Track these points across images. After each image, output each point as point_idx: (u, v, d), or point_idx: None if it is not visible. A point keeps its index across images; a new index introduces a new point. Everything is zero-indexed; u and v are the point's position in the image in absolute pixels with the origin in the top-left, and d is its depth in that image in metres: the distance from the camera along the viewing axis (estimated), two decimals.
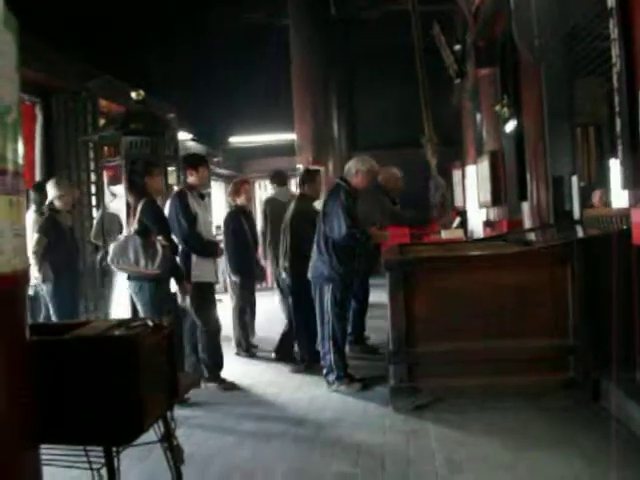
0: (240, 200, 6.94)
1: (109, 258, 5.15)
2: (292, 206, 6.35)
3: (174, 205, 5.51)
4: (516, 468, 3.55)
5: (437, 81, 13.21)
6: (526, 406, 4.44)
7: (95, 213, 7.60)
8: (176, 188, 5.97)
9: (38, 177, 7.55)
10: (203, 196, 5.82)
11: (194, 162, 5.72)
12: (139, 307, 5.14)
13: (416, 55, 9.93)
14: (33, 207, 6.36)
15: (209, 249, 5.65)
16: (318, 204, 6.33)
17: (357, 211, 5.43)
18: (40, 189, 6.54)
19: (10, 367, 2.00)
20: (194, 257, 5.49)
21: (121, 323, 2.58)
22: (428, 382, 4.70)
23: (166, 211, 5.50)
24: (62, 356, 2.33)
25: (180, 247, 5.43)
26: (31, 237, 6.05)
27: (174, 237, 5.39)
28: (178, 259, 5.40)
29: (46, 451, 2.29)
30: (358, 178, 5.43)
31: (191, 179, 5.63)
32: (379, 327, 6.58)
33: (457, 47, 11.43)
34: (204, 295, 5.55)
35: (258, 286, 7.77)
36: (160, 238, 5.05)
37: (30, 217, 6.21)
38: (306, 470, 3.74)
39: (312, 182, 6.47)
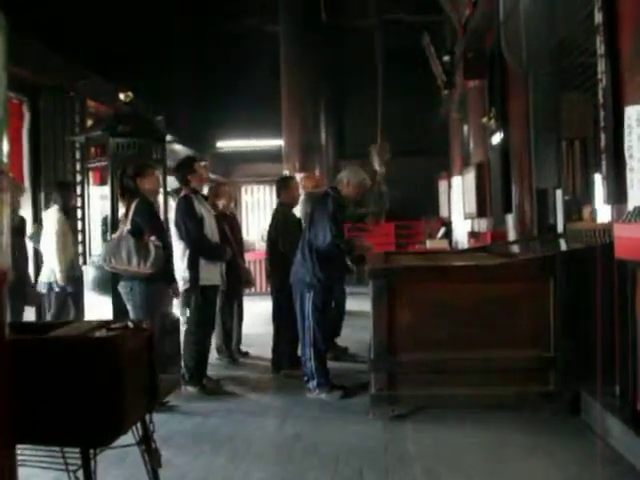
0: (222, 203, 6.91)
1: (101, 257, 5.13)
2: (272, 213, 6.55)
3: (180, 210, 5.54)
4: (494, 479, 3.56)
5: (425, 91, 13.32)
6: (506, 417, 4.46)
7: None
8: (182, 192, 5.89)
9: (26, 175, 7.54)
10: (207, 198, 5.83)
11: (188, 165, 5.70)
12: (129, 307, 5.12)
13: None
14: (56, 206, 6.38)
15: (217, 252, 5.68)
16: (297, 210, 6.60)
17: (344, 221, 5.54)
18: (64, 188, 6.57)
19: None
20: (202, 261, 5.50)
21: (102, 324, 2.57)
22: (409, 391, 4.70)
23: (172, 216, 5.52)
24: (41, 355, 2.31)
25: (187, 252, 5.46)
26: (52, 236, 6.19)
27: (180, 241, 5.47)
28: (185, 263, 5.44)
29: (22, 451, 2.27)
30: (349, 189, 5.52)
31: (193, 182, 5.61)
32: (362, 334, 6.58)
33: (446, 58, 11.49)
34: (208, 298, 5.57)
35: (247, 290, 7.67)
36: (153, 238, 5.04)
37: (53, 216, 6.23)
38: (284, 478, 3.73)
39: (287, 189, 6.56)
